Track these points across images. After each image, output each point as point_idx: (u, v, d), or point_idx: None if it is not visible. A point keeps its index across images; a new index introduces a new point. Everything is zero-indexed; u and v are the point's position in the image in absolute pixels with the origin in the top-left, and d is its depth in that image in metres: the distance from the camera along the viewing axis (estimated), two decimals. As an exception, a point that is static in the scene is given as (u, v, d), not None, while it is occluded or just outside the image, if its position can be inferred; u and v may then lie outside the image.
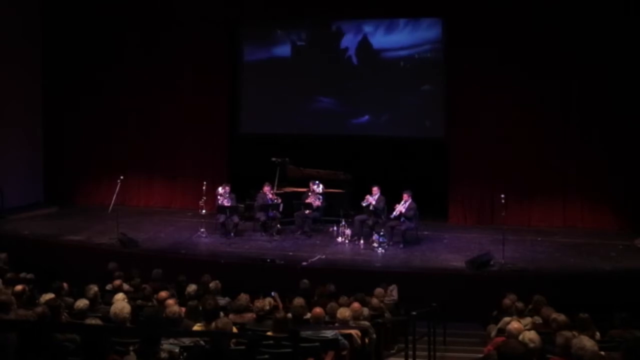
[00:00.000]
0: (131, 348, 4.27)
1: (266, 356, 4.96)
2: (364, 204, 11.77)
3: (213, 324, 5.32)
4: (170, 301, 6.47)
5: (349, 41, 14.59)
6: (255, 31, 15.35)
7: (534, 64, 12.95)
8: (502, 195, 11.20)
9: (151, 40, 14.92)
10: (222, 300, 7.69)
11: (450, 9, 13.49)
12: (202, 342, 5.01)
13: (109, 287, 8.48)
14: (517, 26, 13.00)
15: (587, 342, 4.15)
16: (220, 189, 12.43)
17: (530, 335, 4.59)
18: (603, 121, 12.75)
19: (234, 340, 5.29)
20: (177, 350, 4.56)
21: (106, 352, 3.48)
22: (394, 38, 14.31)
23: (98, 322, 5.11)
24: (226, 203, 12.32)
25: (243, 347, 5.01)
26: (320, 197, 12.60)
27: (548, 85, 12.99)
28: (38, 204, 15.18)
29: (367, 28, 14.44)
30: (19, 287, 6.64)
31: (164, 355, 4.26)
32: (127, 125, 15.18)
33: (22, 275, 8.95)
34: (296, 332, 4.21)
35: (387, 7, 13.79)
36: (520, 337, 4.62)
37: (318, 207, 12.56)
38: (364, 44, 14.49)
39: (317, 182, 12.79)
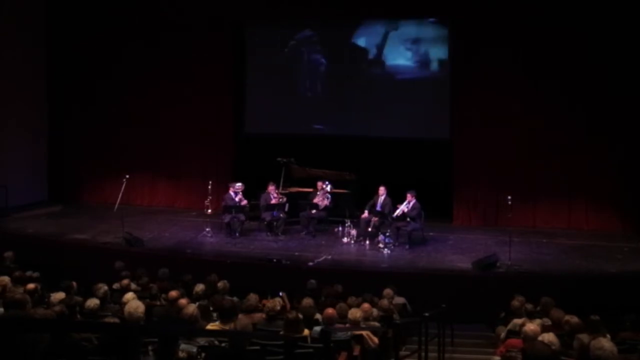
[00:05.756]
0: (150, 347, 4.27)
1: (281, 357, 4.95)
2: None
3: (232, 325, 5.30)
4: (183, 301, 6.45)
5: (354, 41, 14.58)
6: (261, 32, 15.32)
7: (540, 64, 12.98)
8: (509, 197, 11.21)
9: (157, 41, 14.90)
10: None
11: (455, 9, 13.49)
12: (216, 342, 5.01)
13: (116, 286, 8.46)
14: (523, 27, 13.01)
15: (605, 343, 4.15)
16: (238, 184, 12.42)
17: (550, 338, 4.59)
18: (609, 122, 12.76)
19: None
20: (194, 350, 4.55)
21: (138, 352, 3.48)
22: (400, 39, 14.31)
23: (117, 321, 5.09)
24: (240, 197, 12.29)
25: (258, 348, 4.99)
26: (329, 196, 12.61)
27: (554, 87, 13.01)
28: (42, 203, 15.17)
29: (373, 28, 14.43)
30: (31, 286, 6.62)
31: (182, 355, 4.26)
32: (132, 124, 15.16)
33: (29, 273, 8.92)
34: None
35: (394, 7, 13.79)
36: (540, 339, 4.61)
37: (326, 206, 12.55)
38: (370, 44, 14.49)
39: (326, 181, 12.80)
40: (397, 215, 11.62)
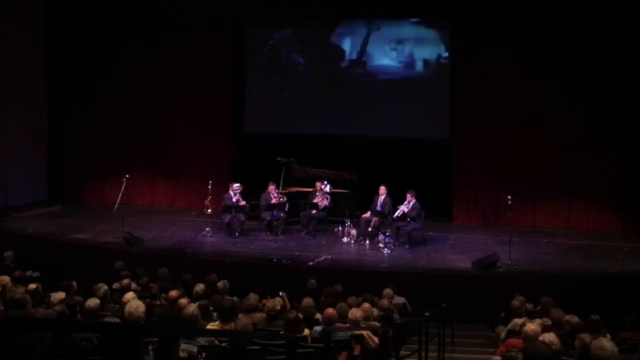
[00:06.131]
0: (150, 347, 4.27)
1: (281, 357, 4.96)
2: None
3: (233, 325, 5.30)
4: (184, 301, 6.45)
5: (355, 41, 14.58)
6: (261, 32, 15.33)
7: (540, 64, 12.98)
8: (509, 197, 11.21)
9: (157, 41, 14.90)
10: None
11: (455, 9, 13.49)
12: (216, 342, 5.01)
13: (116, 286, 8.46)
14: (523, 27, 13.01)
15: (606, 343, 4.16)
16: (235, 186, 12.44)
17: (551, 338, 4.59)
18: (609, 122, 12.77)
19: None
20: (195, 350, 4.56)
21: (138, 352, 3.48)
22: (400, 39, 14.31)
23: (117, 321, 5.09)
24: (239, 198, 12.29)
25: (258, 348, 5.00)
26: (329, 197, 12.63)
27: (554, 86, 13.01)
28: (42, 203, 15.17)
29: (373, 28, 14.43)
30: (32, 286, 6.62)
31: (183, 355, 4.26)
32: (133, 124, 15.16)
33: (29, 273, 8.93)
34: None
35: (394, 7, 13.78)
36: (540, 339, 4.62)
37: (326, 207, 12.57)
38: (370, 45, 14.48)
39: (325, 182, 12.81)
40: (397, 216, 11.61)
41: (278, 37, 15.18)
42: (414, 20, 14.23)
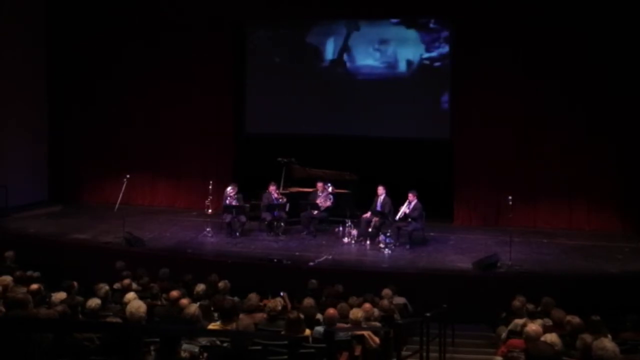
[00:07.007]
0: (152, 347, 4.27)
1: (282, 357, 4.96)
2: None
3: (233, 325, 5.30)
4: (184, 301, 6.45)
5: (356, 41, 14.57)
6: (260, 32, 15.33)
7: (540, 64, 12.99)
8: (510, 197, 11.21)
9: (157, 41, 14.91)
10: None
11: (456, 10, 13.50)
12: (218, 342, 5.01)
13: (117, 286, 8.45)
14: (523, 27, 13.02)
15: (607, 343, 4.16)
16: (229, 189, 12.42)
17: (552, 338, 4.59)
18: (609, 122, 12.77)
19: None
20: (196, 350, 4.56)
21: (139, 352, 3.48)
22: (400, 39, 14.31)
23: (119, 321, 5.09)
24: (234, 203, 12.30)
25: (259, 348, 5.00)
26: (331, 197, 12.64)
27: (554, 86, 13.02)
28: (42, 203, 15.17)
29: (374, 29, 14.44)
30: (34, 286, 6.62)
31: (184, 355, 4.26)
32: (133, 124, 15.18)
33: (29, 273, 8.93)
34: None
35: (395, 7, 13.79)
36: (542, 339, 4.62)
37: (328, 207, 12.56)
38: (371, 44, 14.48)
39: (328, 183, 12.82)
40: (399, 217, 11.60)
41: (278, 37, 15.19)
42: (418, 20, 14.20)
